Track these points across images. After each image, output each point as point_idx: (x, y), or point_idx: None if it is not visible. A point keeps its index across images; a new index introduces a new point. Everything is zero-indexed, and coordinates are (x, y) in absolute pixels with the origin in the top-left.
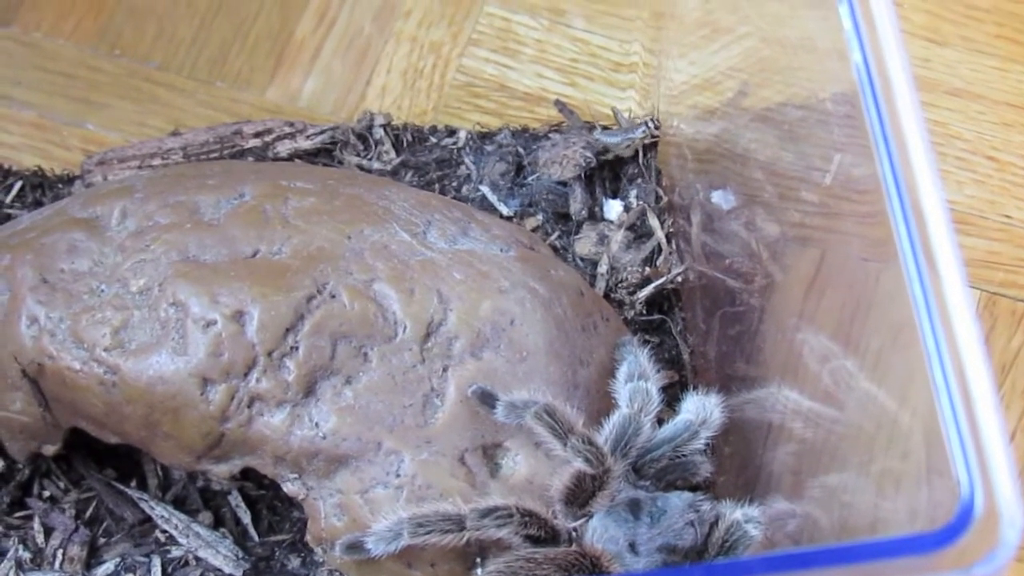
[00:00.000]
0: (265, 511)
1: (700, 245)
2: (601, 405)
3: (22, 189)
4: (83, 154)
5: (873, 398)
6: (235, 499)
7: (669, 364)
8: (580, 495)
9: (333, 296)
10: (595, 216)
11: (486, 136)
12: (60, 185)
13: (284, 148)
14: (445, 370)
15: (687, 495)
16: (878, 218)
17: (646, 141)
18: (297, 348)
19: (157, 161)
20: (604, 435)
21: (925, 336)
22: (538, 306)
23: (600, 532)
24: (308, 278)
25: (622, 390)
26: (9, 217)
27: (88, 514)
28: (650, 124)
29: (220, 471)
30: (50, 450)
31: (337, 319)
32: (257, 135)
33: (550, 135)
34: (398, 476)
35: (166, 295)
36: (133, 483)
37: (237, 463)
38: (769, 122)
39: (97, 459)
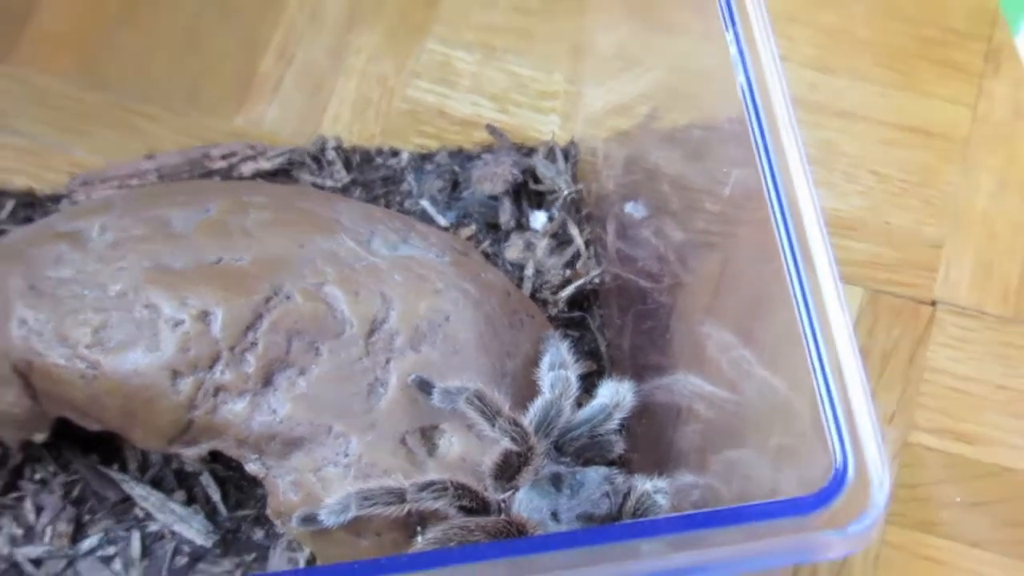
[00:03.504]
0: (232, 489)
1: (615, 251)
2: (526, 392)
3: (14, 208)
4: (70, 176)
5: (768, 383)
6: (206, 479)
7: (588, 356)
8: (507, 470)
9: (288, 297)
10: (522, 226)
11: (426, 157)
12: (49, 203)
13: (247, 168)
14: (387, 362)
15: (603, 470)
16: (761, 221)
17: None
18: (256, 344)
19: (134, 181)
20: (529, 417)
21: (804, 327)
22: (469, 305)
23: (526, 503)
24: (266, 282)
25: (545, 378)
26: (2, 233)
27: (74, 494)
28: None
29: (190, 454)
30: (39, 438)
31: (292, 318)
32: (223, 157)
33: (482, 155)
34: (346, 456)
35: (140, 298)
36: (115, 466)
37: (204, 446)
38: (675, 142)
39: (82, 446)
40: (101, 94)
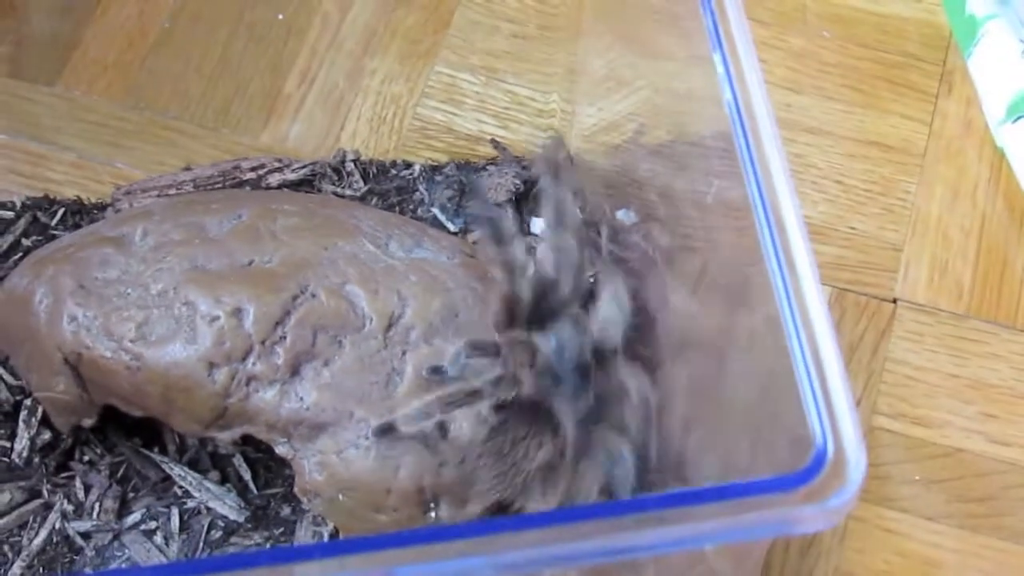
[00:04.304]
0: (262, 470)
1: (607, 252)
2: None
3: (64, 215)
4: (113, 187)
5: (749, 373)
6: (238, 460)
7: None
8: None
9: (313, 296)
10: (523, 230)
11: (436, 168)
12: (95, 211)
13: (274, 179)
14: (403, 354)
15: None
16: (749, 230)
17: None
18: (285, 337)
19: (172, 191)
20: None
21: (787, 320)
22: (477, 302)
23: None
24: (293, 281)
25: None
26: (54, 237)
27: (119, 474)
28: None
29: (224, 437)
30: (88, 423)
31: (316, 314)
32: (252, 169)
33: (487, 167)
34: (366, 439)
35: (179, 296)
36: (155, 449)
37: (238, 431)
38: (662, 156)
39: (126, 430)
40: (141, 113)
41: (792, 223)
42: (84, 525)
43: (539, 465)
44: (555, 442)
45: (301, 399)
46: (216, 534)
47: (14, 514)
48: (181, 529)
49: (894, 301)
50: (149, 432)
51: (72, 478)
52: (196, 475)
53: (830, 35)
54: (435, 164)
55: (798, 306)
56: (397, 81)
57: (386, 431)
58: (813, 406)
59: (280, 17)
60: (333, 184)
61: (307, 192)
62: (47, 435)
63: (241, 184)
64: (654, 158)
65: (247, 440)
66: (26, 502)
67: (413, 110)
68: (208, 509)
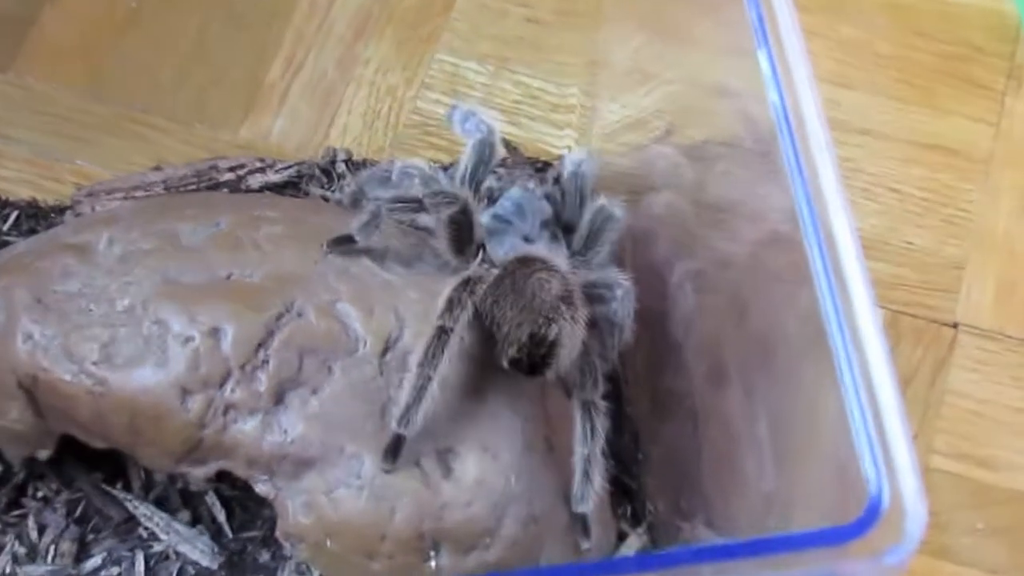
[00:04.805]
0: (238, 510)
1: (632, 267)
2: (553, 410)
3: (18, 218)
4: (74, 187)
5: (796, 408)
6: (211, 499)
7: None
8: (461, 234)
9: (300, 314)
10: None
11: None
12: (53, 215)
13: (255, 181)
14: (402, 381)
15: (515, 187)
16: (792, 244)
17: None
18: (268, 361)
19: (140, 193)
20: (460, 170)
21: (837, 348)
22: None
23: (501, 249)
24: (278, 298)
25: (459, 130)
26: (6, 244)
27: (78, 513)
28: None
29: (198, 474)
30: (43, 455)
31: (304, 335)
32: (231, 169)
33: (496, 170)
34: (359, 477)
35: (149, 313)
36: (119, 485)
37: (213, 466)
38: (691, 157)
39: (86, 463)
40: (105, 104)
41: (844, 238)
42: (37, 570)
43: (556, 294)
44: (561, 273)
45: (285, 431)
46: None
47: None
48: None
49: (955, 326)
50: (111, 466)
51: (24, 516)
52: (164, 515)
53: (885, 23)
54: (436, 165)
55: (850, 332)
56: (393, 70)
57: (341, 242)
58: (867, 448)
59: None
60: (322, 187)
61: (293, 196)
62: None
63: (218, 186)
64: (683, 160)
65: (223, 476)
66: None
67: (412, 103)
68: (177, 554)
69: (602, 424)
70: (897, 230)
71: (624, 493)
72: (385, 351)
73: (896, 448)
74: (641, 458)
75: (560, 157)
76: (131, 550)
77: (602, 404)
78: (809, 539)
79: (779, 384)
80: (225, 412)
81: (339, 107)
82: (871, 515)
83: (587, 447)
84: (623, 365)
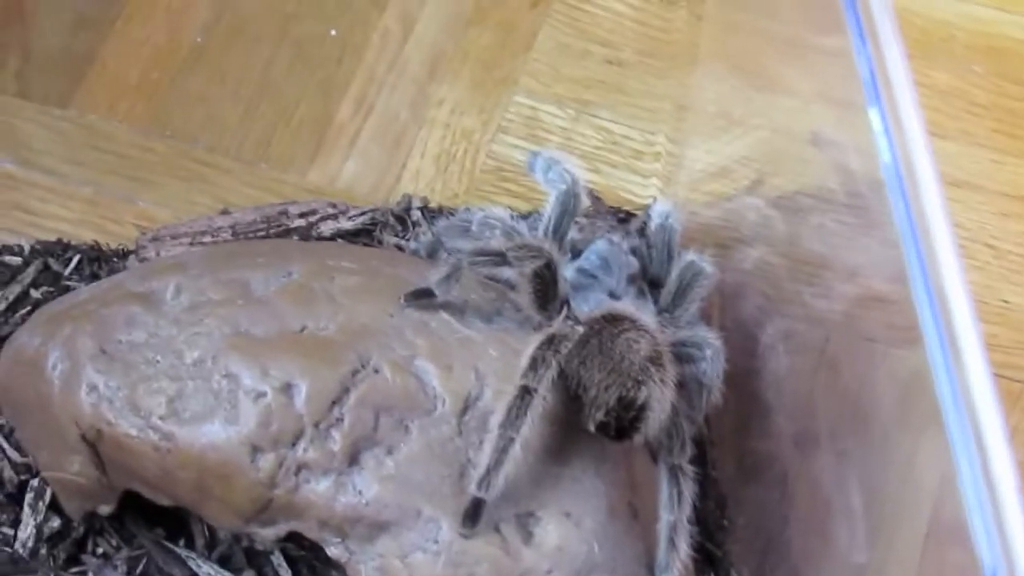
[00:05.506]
0: (305, 571)
1: (719, 323)
2: (640, 474)
3: (79, 262)
4: (135, 229)
5: (882, 475)
6: (277, 559)
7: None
8: (546, 289)
9: (376, 371)
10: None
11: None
12: (115, 259)
13: (327, 228)
14: (481, 443)
15: (600, 240)
16: (890, 303)
17: None
18: (342, 419)
19: (207, 239)
20: (544, 222)
21: (949, 420)
22: None
23: (586, 305)
24: (353, 353)
25: (543, 180)
26: (68, 289)
27: (138, 571)
28: None
29: (267, 534)
30: (105, 510)
31: (380, 392)
32: (302, 215)
33: (578, 220)
34: (436, 542)
35: (219, 367)
36: (181, 542)
37: (283, 527)
38: (782, 209)
39: (147, 518)
40: (168, 142)
41: (959, 302)
42: None
43: (645, 354)
44: (650, 332)
45: (360, 492)
46: None
47: None
48: None
49: None
50: (173, 522)
51: (84, 573)
52: (228, 575)
53: (981, 70)
54: (516, 214)
55: (964, 403)
56: (469, 112)
57: (420, 295)
58: (979, 522)
59: (332, 33)
60: (396, 235)
61: (366, 244)
62: (56, 522)
63: (289, 232)
64: (771, 211)
65: (289, 536)
66: None
67: (487, 147)
68: None
69: (689, 490)
70: (992, 287)
71: (708, 561)
72: (464, 410)
73: (1012, 523)
74: (727, 524)
75: (644, 207)
76: None
77: (689, 469)
78: None
79: (873, 450)
80: (297, 472)
81: (411, 150)
82: None
83: (674, 514)
84: (709, 426)
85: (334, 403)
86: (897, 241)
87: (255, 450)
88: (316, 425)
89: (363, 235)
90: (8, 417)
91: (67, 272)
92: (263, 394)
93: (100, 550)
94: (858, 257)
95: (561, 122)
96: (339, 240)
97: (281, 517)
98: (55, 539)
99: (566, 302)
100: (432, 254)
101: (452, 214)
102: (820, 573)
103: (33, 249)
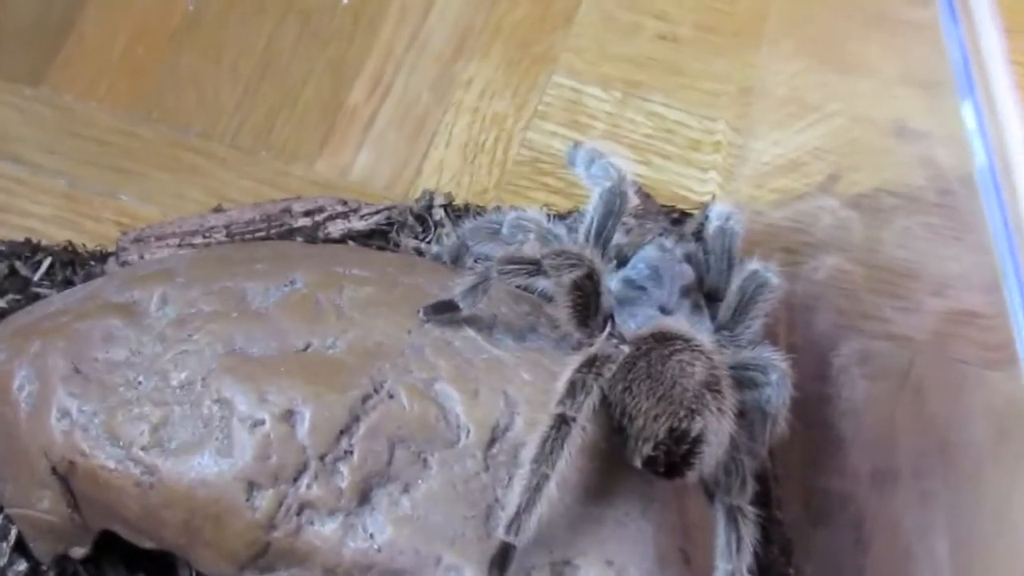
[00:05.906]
0: None
1: (786, 342)
2: (692, 515)
3: (51, 266)
4: (116, 227)
5: (972, 519)
6: None
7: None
8: (586, 302)
9: (391, 396)
10: None
11: (553, 218)
12: (92, 262)
13: (336, 229)
14: (511, 479)
15: (650, 245)
16: (987, 321)
17: None
18: (351, 452)
19: (198, 239)
20: (585, 224)
21: None
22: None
23: (634, 321)
24: (364, 376)
25: (585, 176)
26: (38, 296)
27: None
28: None
29: None
30: (78, 553)
31: (395, 421)
32: (307, 214)
33: (624, 221)
34: None
35: (210, 391)
36: None
37: (283, 574)
38: (861, 210)
39: (127, 564)
40: (155, 127)
41: None
42: None
43: (700, 379)
44: (706, 354)
45: (371, 536)
46: None
47: None
48: None
49: None
50: (158, 567)
51: None
52: None
53: None
54: (552, 212)
55: None
56: (501, 95)
57: (441, 309)
58: None
59: (344, 3)
60: (415, 237)
61: (380, 248)
62: (22, 566)
63: (292, 233)
64: (848, 212)
65: None
66: None
67: (521, 135)
68: None
69: (749, 535)
70: None
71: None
72: (492, 442)
73: None
74: (792, 574)
75: (701, 206)
76: None
77: (750, 511)
78: None
79: (962, 490)
80: (299, 512)
81: (434, 138)
82: None
83: (732, 563)
84: (773, 461)
85: (342, 433)
86: (992, 248)
87: (251, 486)
88: (321, 458)
89: (377, 237)
90: None
91: (36, 277)
92: (260, 422)
93: None
94: (948, 266)
95: (607, 107)
96: (350, 243)
97: (281, 563)
98: None
99: (610, 318)
100: (456, 260)
101: (480, 214)
102: None
103: None
